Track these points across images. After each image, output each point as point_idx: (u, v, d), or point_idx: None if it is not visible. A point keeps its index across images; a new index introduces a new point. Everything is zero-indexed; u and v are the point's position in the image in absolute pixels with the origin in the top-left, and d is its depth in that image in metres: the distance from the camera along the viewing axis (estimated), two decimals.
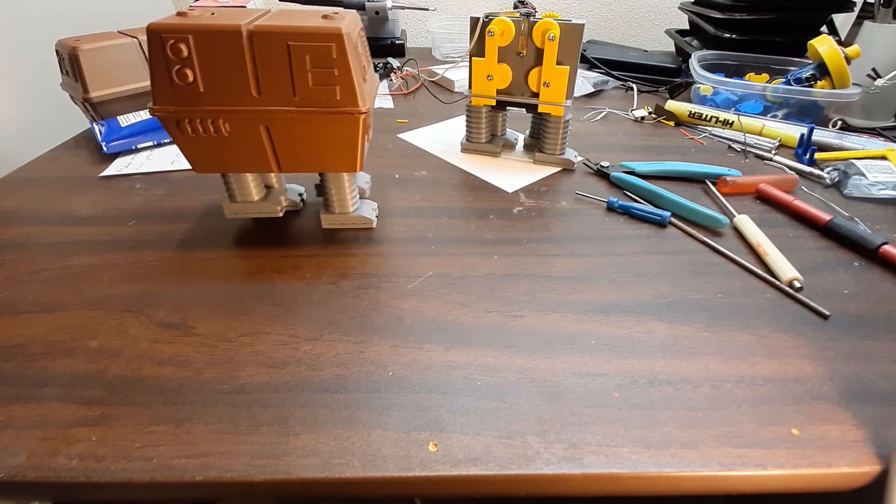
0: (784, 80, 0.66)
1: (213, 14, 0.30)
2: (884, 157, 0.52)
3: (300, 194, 0.43)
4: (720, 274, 0.36)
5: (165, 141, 0.55)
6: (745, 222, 0.41)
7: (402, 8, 0.86)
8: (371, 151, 0.54)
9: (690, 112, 0.63)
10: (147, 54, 0.55)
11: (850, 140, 0.57)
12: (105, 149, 0.51)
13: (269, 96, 0.31)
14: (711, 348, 0.30)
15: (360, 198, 0.42)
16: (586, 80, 0.77)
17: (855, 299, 0.34)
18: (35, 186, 0.47)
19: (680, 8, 0.89)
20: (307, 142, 0.33)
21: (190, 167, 0.35)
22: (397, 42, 0.89)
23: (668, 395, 0.27)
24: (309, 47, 0.30)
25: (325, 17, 0.31)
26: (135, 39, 0.55)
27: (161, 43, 0.29)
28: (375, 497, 0.24)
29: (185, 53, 0.29)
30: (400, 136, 0.59)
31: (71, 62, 0.51)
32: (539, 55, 0.46)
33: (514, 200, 0.45)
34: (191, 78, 0.30)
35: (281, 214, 0.40)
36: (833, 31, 0.79)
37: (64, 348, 0.29)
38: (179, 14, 0.30)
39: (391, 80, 0.78)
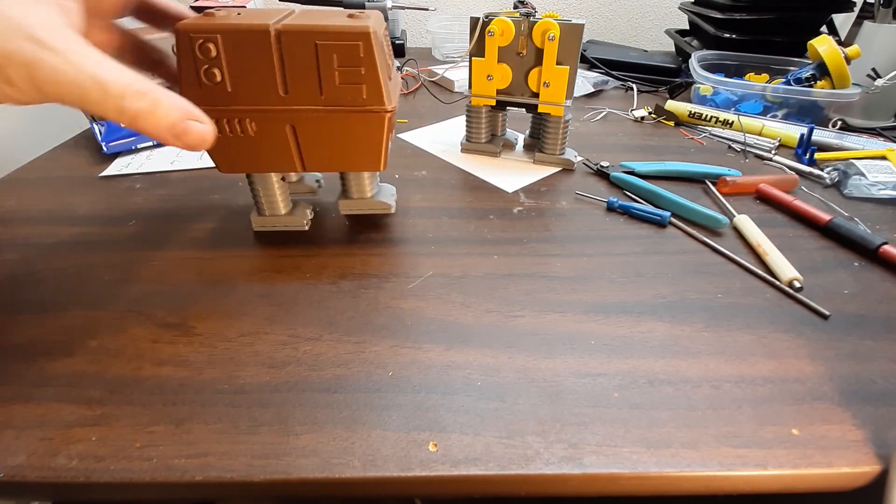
0: (784, 80, 0.66)
1: (239, 14, 0.30)
2: (884, 157, 0.52)
3: (317, 180, 0.43)
4: (720, 274, 0.36)
5: None
6: (745, 222, 0.41)
7: (402, 8, 0.86)
8: None
9: (690, 112, 0.63)
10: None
11: (850, 140, 0.57)
12: (105, 149, 0.51)
13: (295, 95, 0.31)
14: (711, 348, 0.30)
15: (387, 213, 0.42)
16: (586, 80, 0.77)
17: (855, 299, 0.34)
18: (35, 186, 0.47)
19: (680, 8, 0.89)
20: (332, 141, 0.33)
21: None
22: (397, 42, 0.89)
23: (668, 395, 0.27)
24: (337, 46, 0.30)
25: (350, 16, 0.31)
26: None
27: (190, 43, 0.29)
28: (375, 497, 0.24)
29: (214, 53, 0.29)
30: (400, 136, 0.59)
31: None
32: (539, 55, 0.46)
33: (514, 200, 0.45)
34: (219, 78, 0.30)
35: (307, 228, 0.40)
36: (833, 31, 0.79)
37: (64, 348, 0.29)
38: (206, 14, 0.30)
39: None
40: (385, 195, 0.41)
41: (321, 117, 0.32)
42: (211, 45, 0.29)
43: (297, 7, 0.33)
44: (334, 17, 0.31)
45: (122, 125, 0.23)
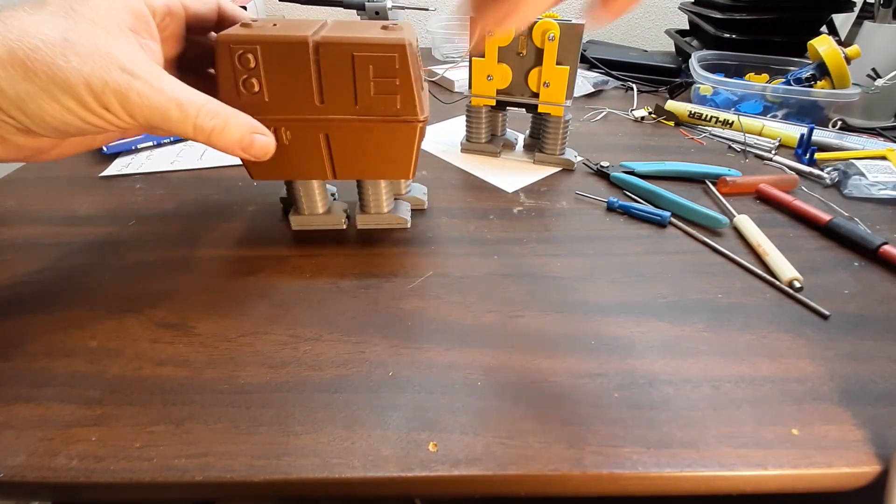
0: (784, 80, 0.66)
1: (275, 25, 0.31)
2: (884, 157, 0.52)
3: (332, 194, 0.43)
4: (720, 274, 0.36)
5: (165, 141, 0.55)
6: (745, 222, 0.41)
7: (402, 8, 0.86)
8: None
9: (690, 112, 0.63)
10: None
11: (850, 140, 0.57)
12: (105, 149, 0.51)
13: (331, 105, 0.32)
14: (711, 348, 0.30)
15: (418, 209, 0.43)
16: (586, 80, 0.77)
17: (855, 299, 0.34)
18: (35, 186, 0.47)
19: (680, 8, 0.89)
20: (364, 150, 0.34)
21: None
22: None
23: (668, 395, 0.27)
24: (373, 58, 0.30)
25: (385, 28, 0.32)
26: None
27: (230, 53, 0.29)
28: (375, 497, 0.24)
29: (253, 64, 0.30)
30: None
31: None
32: (539, 55, 0.46)
33: (514, 200, 0.45)
34: (257, 88, 0.30)
35: (345, 227, 0.40)
36: (833, 31, 0.79)
37: (64, 348, 0.29)
38: (243, 25, 0.30)
39: None
40: (402, 210, 0.41)
41: (355, 126, 0.33)
42: (250, 56, 0.29)
43: (329, 18, 0.33)
44: (369, 29, 0.31)
45: (199, 142, 0.27)
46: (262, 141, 0.29)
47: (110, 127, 0.25)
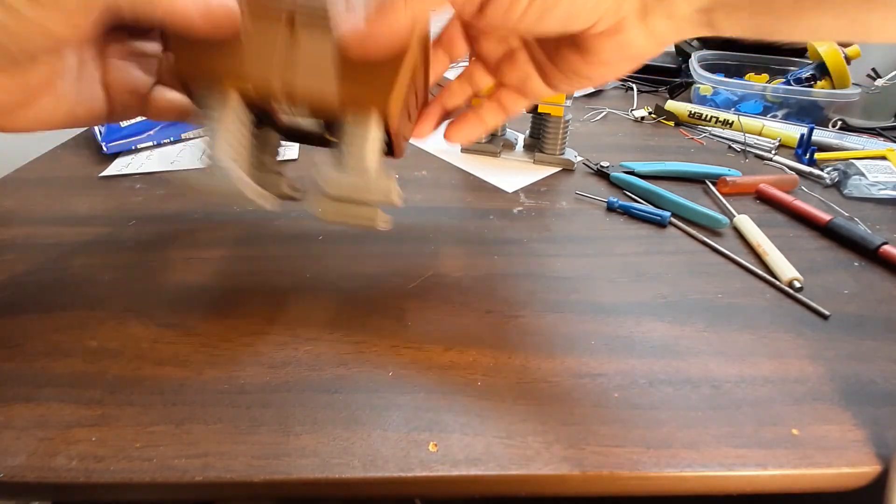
0: (784, 80, 0.67)
1: None
2: (884, 157, 0.52)
3: (299, 189, 0.38)
4: (720, 274, 0.36)
5: (165, 141, 0.55)
6: (745, 222, 0.41)
7: None
8: None
9: (690, 112, 0.63)
10: None
11: (850, 140, 0.57)
12: (105, 149, 0.51)
13: None
14: (711, 348, 0.30)
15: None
16: None
17: (855, 299, 0.34)
18: (35, 186, 0.47)
19: None
20: (334, 55, 0.24)
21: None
22: None
23: (668, 395, 0.27)
24: None
25: None
26: None
27: None
28: (375, 497, 0.24)
29: None
30: None
31: None
32: None
33: (514, 200, 0.45)
34: None
35: (277, 208, 0.28)
36: None
37: (64, 348, 0.29)
38: None
39: None
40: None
41: (327, 15, 0.24)
42: None
43: None
44: None
45: (151, 17, 0.21)
46: (223, 2, 0.22)
47: (49, 32, 0.20)
